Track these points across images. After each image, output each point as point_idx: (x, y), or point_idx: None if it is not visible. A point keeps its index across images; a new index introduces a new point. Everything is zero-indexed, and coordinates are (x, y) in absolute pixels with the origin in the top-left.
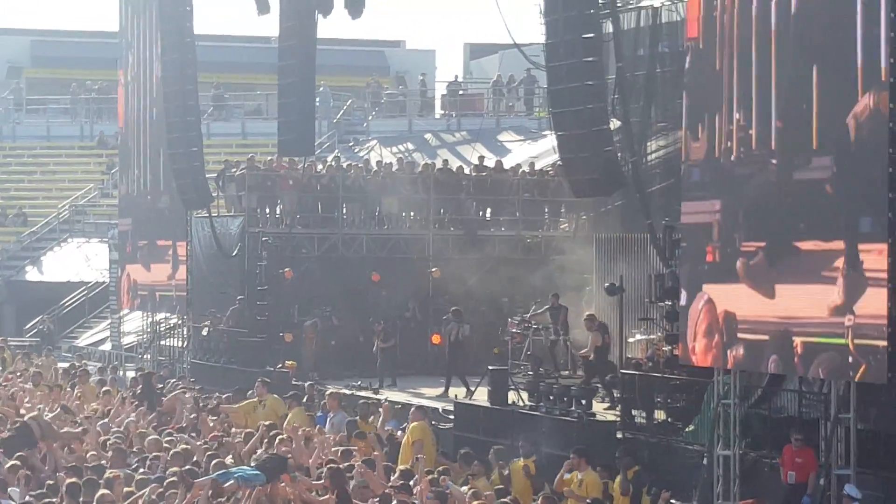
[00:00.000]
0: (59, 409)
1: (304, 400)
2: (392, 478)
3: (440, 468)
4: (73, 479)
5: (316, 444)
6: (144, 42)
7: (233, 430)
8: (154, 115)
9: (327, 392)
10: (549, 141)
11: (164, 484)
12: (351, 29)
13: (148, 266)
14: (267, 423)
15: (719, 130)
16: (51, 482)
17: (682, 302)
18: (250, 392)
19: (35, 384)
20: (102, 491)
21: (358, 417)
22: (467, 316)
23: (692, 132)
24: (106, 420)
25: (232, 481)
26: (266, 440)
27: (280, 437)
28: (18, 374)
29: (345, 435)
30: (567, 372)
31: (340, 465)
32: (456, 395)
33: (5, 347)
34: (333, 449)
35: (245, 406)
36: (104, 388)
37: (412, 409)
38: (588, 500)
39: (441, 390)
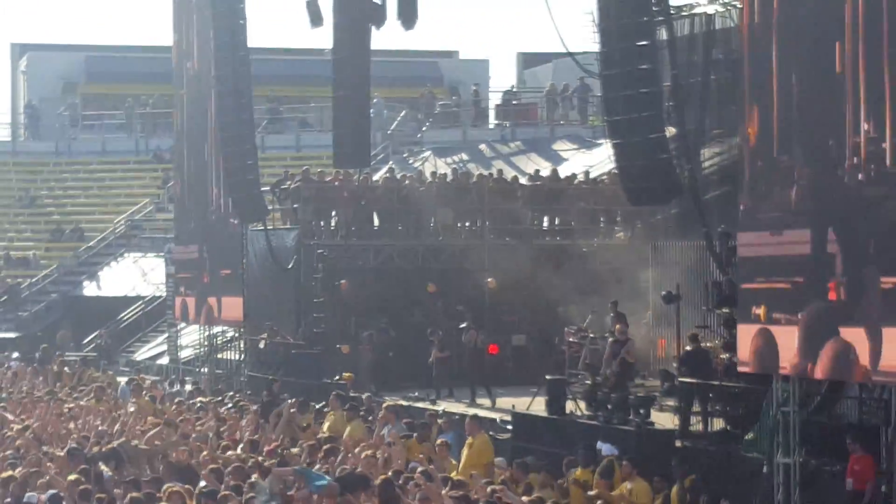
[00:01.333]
0: (161, 426)
1: (362, 411)
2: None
3: (501, 478)
4: (135, 494)
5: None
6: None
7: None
8: None
9: (384, 405)
10: (605, 149)
11: (217, 498)
12: (404, 40)
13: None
14: (326, 436)
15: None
16: (101, 495)
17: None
18: (313, 404)
19: (97, 400)
20: None
21: (415, 435)
22: (524, 326)
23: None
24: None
25: (306, 490)
26: (322, 453)
27: (366, 453)
28: (80, 389)
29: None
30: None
31: (391, 478)
32: (514, 406)
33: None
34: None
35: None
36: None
37: (467, 419)
38: None
39: (489, 401)
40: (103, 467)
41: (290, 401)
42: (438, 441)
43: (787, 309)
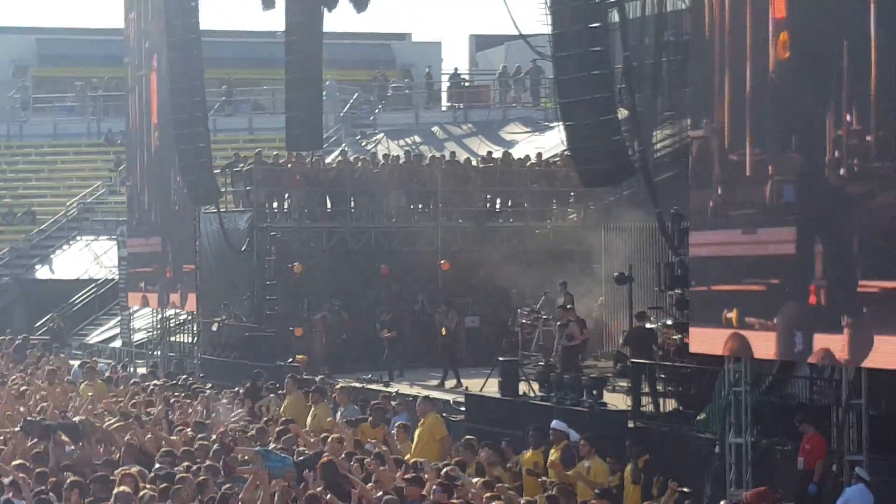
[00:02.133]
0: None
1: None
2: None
3: (455, 460)
4: (77, 478)
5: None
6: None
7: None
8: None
9: (337, 386)
10: (557, 132)
11: (174, 480)
12: (356, 22)
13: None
14: (283, 418)
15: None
16: (53, 479)
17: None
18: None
19: (50, 382)
20: (120, 488)
21: (370, 417)
22: (477, 308)
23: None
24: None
25: (261, 470)
26: (274, 435)
27: (333, 436)
28: (34, 370)
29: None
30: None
31: (334, 459)
32: (467, 388)
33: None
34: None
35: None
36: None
37: (419, 400)
38: (596, 491)
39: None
40: (64, 438)
41: (271, 396)
42: (397, 424)
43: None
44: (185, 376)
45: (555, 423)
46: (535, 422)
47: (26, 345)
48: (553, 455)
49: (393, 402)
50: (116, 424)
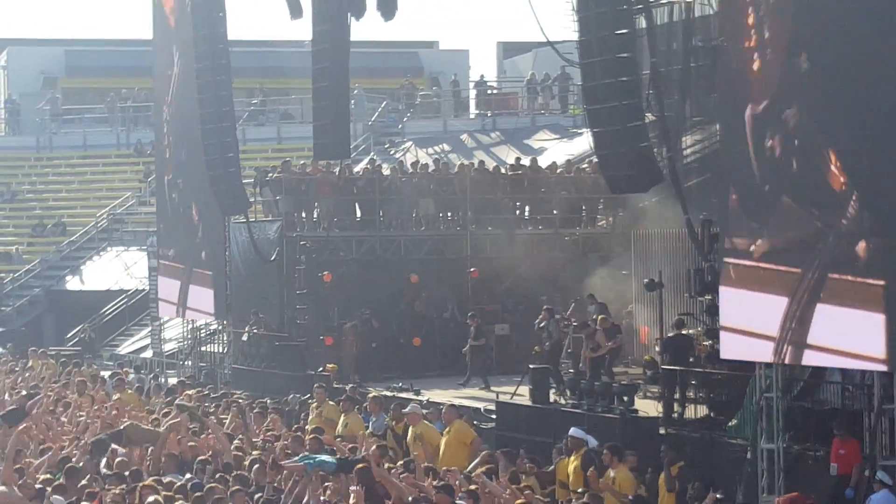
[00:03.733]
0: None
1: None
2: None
3: (485, 467)
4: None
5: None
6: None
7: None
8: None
9: (369, 395)
10: (585, 138)
11: (204, 490)
12: (384, 30)
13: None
14: (312, 427)
15: None
16: (91, 490)
17: None
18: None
19: (80, 394)
20: (151, 497)
21: (393, 421)
22: (506, 315)
23: None
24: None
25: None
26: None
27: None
28: (63, 382)
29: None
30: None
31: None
32: (497, 395)
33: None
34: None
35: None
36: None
37: (444, 407)
38: (630, 498)
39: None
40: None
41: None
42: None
43: None
44: (210, 386)
45: (573, 430)
46: (567, 429)
47: (66, 362)
48: (574, 462)
49: (424, 411)
50: (172, 421)
